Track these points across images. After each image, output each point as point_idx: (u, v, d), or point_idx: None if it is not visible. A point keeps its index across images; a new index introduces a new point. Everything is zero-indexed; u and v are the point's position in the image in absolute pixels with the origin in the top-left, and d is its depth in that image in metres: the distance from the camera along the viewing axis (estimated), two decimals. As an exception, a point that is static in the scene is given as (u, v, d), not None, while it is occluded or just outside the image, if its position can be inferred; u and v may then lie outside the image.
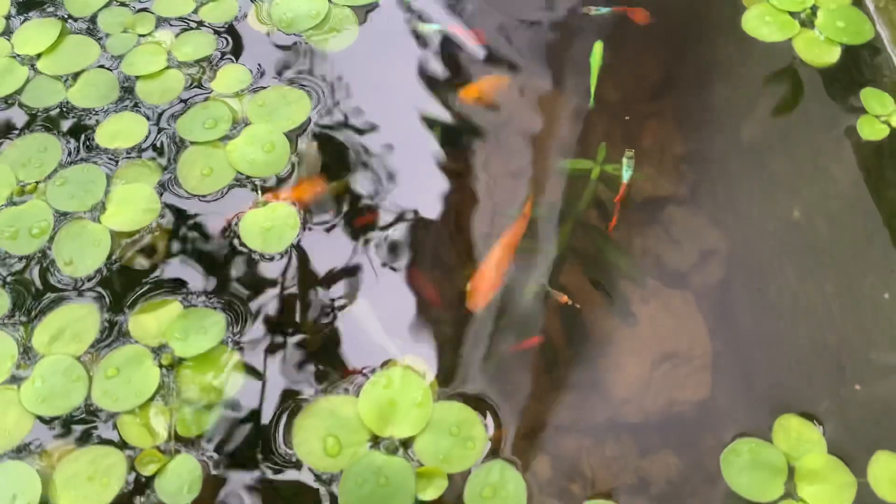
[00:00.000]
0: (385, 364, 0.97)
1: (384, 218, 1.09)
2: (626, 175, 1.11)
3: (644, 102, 1.23)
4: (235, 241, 1.05)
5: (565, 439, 1.00)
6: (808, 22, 1.22)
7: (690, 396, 1.06)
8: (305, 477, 0.91)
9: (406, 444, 0.91)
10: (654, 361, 1.07)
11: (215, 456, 0.92)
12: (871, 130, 1.12)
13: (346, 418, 0.92)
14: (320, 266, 1.05)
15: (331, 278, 1.04)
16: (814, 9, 1.22)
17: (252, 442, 0.93)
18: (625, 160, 1.12)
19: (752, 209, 1.16)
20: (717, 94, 1.23)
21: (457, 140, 1.18)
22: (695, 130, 1.21)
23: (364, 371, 0.97)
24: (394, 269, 1.06)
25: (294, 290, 1.02)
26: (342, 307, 1.01)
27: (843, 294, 1.09)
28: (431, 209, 1.11)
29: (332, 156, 1.14)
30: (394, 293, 1.05)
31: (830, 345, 1.06)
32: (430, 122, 1.18)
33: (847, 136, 1.16)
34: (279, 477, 0.92)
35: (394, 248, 1.08)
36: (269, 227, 1.04)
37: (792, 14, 1.22)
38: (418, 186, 1.13)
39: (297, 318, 1.00)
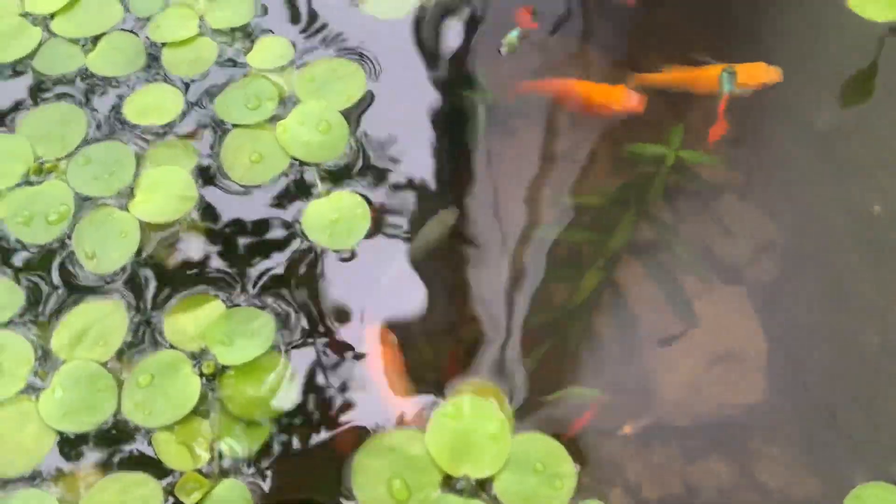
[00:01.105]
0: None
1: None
2: (728, 88, 1.04)
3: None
4: (296, 237, 0.93)
5: (610, 443, 0.91)
6: None
7: (743, 400, 0.98)
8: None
9: (484, 484, 0.79)
10: (707, 362, 0.99)
11: (266, 483, 0.80)
12: None
13: (412, 457, 0.79)
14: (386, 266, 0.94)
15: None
16: None
17: (308, 467, 0.82)
18: (724, 74, 1.05)
19: (821, 200, 1.06)
20: (792, 72, 1.12)
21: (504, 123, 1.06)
22: (759, 112, 1.11)
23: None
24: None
25: (361, 291, 0.90)
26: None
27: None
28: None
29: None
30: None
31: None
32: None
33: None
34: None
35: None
36: (335, 218, 0.91)
37: None
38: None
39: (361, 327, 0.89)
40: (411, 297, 0.93)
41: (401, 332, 0.91)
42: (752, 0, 1.19)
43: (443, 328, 0.94)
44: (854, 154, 1.11)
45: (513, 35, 1.06)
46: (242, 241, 0.92)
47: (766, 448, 0.97)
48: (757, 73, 1.09)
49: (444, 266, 1.00)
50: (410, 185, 1.00)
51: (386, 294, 0.93)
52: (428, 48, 1.11)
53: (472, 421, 0.80)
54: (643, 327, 0.99)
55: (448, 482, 0.79)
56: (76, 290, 0.88)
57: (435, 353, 0.92)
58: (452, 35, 1.13)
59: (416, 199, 1.00)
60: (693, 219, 1.07)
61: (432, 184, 1.03)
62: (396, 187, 0.99)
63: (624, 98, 1.04)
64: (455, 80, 1.10)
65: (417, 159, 1.02)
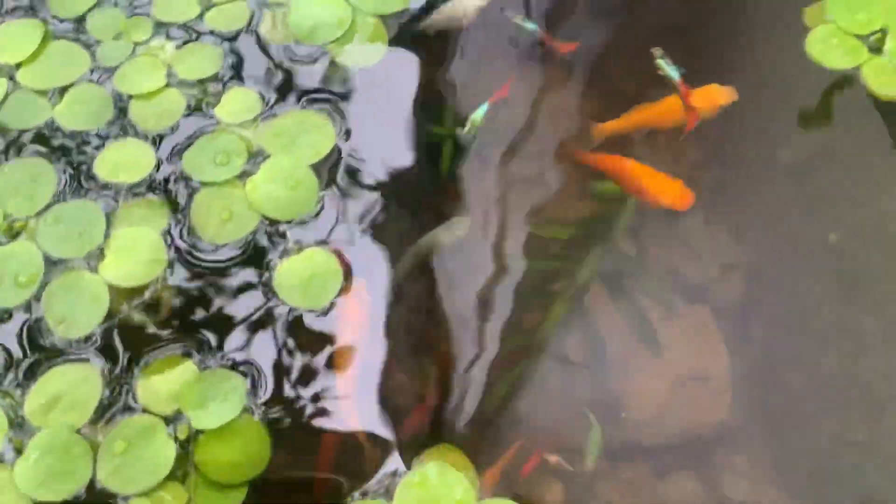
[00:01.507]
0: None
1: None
2: (676, 73, 1.03)
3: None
4: (269, 296, 0.94)
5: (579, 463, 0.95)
6: (875, 48, 1.13)
7: (709, 418, 1.02)
8: None
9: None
10: (674, 383, 1.03)
11: (242, 549, 0.82)
12: None
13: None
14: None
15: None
16: (883, 31, 1.13)
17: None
18: (661, 62, 1.04)
19: (784, 224, 1.10)
20: (762, 110, 1.15)
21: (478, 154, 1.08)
22: (733, 144, 1.14)
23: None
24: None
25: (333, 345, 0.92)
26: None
27: (885, 328, 1.04)
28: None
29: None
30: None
31: (861, 376, 1.02)
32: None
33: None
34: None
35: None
36: (307, 276, 0.92)
37: (859, 37, 1.13)
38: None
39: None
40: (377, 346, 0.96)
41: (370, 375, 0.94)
42: (715, 35, 1.21)
43: (411, 367, 0.97)
44: (816, 183, 1.15)
45: (479, 114, 1.06)
46: (214, 301, 0.93)
47: (732, 463, 1.01)
48: (712, 96, 1.10)
49: (417, 293, 1.02)
50: (383, 229, 1.02)
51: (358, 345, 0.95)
52: (398, 91, 1.12)
53: (439, 488, 0.82)
54: (610, 351, 1.02)
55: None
56: (47, 355, 0.89)
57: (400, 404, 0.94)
58: (422, 75, 1.14)
59: (390, 242, 1.02)
60: (659, 243, 1.10)
61: (408, 225, 1.04)
62: (371, 235, 1.01)
63: (677, 196, 1.03)
64: (425, 119, 1.11)
65: (390, 205, 1.04)
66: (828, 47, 1.12)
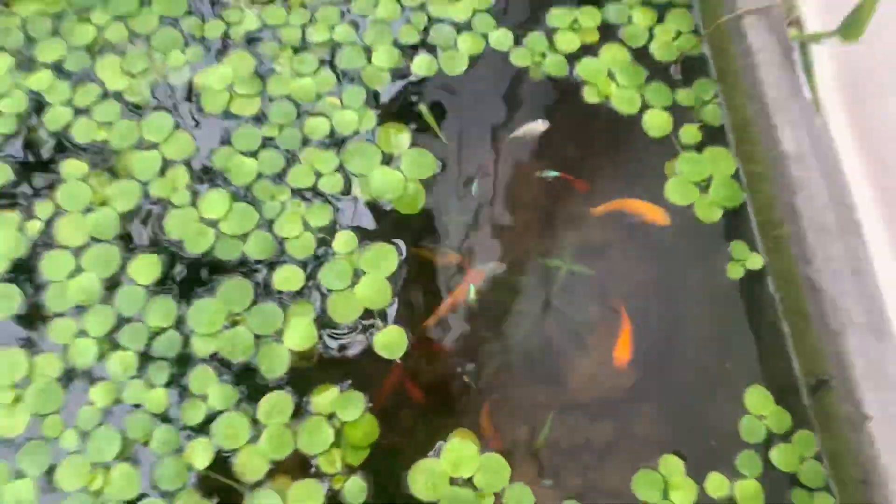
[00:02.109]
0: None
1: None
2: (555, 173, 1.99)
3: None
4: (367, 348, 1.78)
5: (540, 413, 1.78)
6: (704, 188, 1.93)
7: (623, 384, 1.83)
8: None
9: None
10: (600, 363, 1.85)
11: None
12: (734, 271, 1.88)
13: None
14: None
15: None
16: (709, 179, 1.93)
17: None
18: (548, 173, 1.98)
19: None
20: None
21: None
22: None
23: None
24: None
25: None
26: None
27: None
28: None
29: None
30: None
31: (717, 361, 1.84)
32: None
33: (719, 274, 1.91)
34: None
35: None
36: (388, 342, 1.77)
37: (694, 184, 1.93)
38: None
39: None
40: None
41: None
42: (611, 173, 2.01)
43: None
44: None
45: (470, 295, 1.84)
46: (342, 353, 1.77)
47: (638, 411, 1.83)
48: (656, 215, 1.91)
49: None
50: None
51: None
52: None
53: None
54: (556, 347, 1.85)
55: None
56: (260, 389, 1.73)
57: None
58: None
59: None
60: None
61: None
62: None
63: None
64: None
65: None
66: (675, 189, 1.93)
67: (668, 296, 1.88)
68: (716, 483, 1.70)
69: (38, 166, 1.91)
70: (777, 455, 1.72)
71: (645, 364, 1.81)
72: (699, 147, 2.01)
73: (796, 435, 1.74)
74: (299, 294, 1.82)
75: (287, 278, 1.82)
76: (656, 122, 2.03)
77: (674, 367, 1.82)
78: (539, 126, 1.98)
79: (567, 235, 1.92)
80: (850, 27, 1.66)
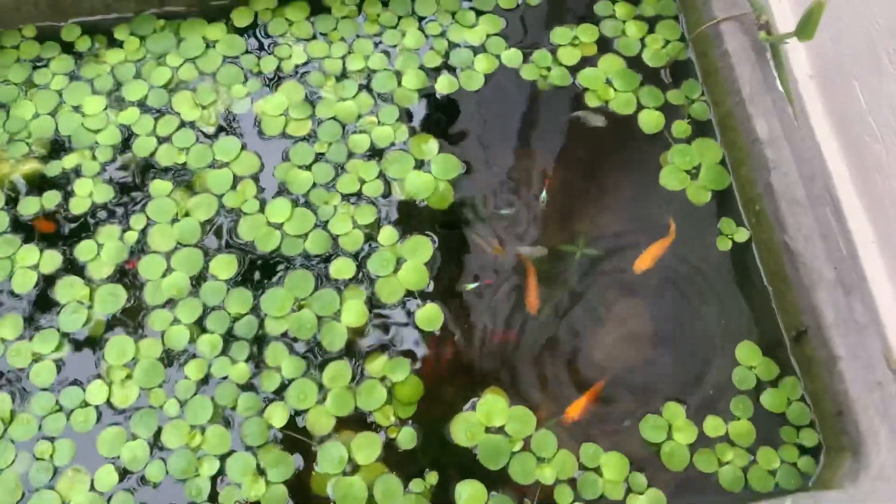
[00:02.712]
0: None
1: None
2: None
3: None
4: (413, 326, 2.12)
5: (567, 373, 2.09)
6: (694, 175, 2.22)
7: (639, 357, 2.15)
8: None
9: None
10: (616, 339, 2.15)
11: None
12: (723, 244, 2.16)
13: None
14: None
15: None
16: (698, 167, 2.22)
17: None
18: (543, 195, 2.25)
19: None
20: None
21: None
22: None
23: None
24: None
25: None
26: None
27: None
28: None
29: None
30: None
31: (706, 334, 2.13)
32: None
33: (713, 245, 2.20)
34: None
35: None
36: (428, 319, 2.10)
37: (686, 171, 2.23)
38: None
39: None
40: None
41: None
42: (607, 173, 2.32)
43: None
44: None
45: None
46: (390, 328, 2.10)
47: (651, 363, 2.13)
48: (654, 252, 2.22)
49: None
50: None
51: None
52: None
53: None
54: (585, 330, 2.16)
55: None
56: (323, 363, 2.08)
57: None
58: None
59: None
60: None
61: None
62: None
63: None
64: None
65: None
66: (669, 177, 2.23)
67: (668, 269, 2.17)
68: (713, 424, 1.99)
69: (131, 187, 2.30)
70: (766, 398, 2.00)
71: (655, 330, 2.11)
72: (689, 139, 2.32)
73: (783, 381, 2.02)
74: (352, 280, 2.17)
75: (341, 268, 2.18)
76: (650, 120, 2.34)
77: (674, 329, 2.11)
78: (597, 119, 2.33)
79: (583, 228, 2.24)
80: (803, 29, 1.95)
